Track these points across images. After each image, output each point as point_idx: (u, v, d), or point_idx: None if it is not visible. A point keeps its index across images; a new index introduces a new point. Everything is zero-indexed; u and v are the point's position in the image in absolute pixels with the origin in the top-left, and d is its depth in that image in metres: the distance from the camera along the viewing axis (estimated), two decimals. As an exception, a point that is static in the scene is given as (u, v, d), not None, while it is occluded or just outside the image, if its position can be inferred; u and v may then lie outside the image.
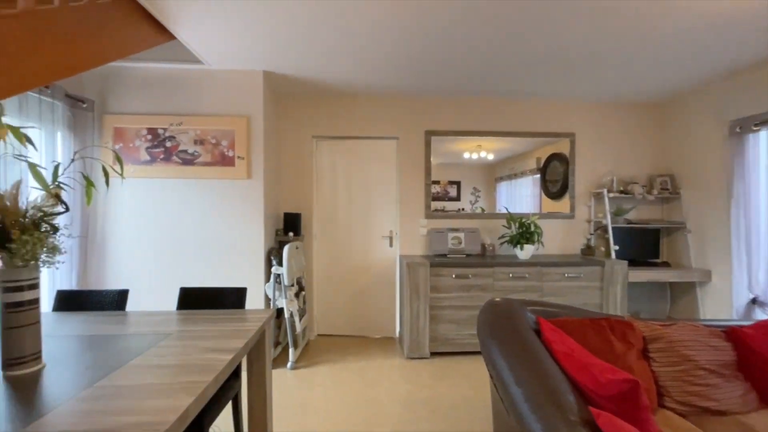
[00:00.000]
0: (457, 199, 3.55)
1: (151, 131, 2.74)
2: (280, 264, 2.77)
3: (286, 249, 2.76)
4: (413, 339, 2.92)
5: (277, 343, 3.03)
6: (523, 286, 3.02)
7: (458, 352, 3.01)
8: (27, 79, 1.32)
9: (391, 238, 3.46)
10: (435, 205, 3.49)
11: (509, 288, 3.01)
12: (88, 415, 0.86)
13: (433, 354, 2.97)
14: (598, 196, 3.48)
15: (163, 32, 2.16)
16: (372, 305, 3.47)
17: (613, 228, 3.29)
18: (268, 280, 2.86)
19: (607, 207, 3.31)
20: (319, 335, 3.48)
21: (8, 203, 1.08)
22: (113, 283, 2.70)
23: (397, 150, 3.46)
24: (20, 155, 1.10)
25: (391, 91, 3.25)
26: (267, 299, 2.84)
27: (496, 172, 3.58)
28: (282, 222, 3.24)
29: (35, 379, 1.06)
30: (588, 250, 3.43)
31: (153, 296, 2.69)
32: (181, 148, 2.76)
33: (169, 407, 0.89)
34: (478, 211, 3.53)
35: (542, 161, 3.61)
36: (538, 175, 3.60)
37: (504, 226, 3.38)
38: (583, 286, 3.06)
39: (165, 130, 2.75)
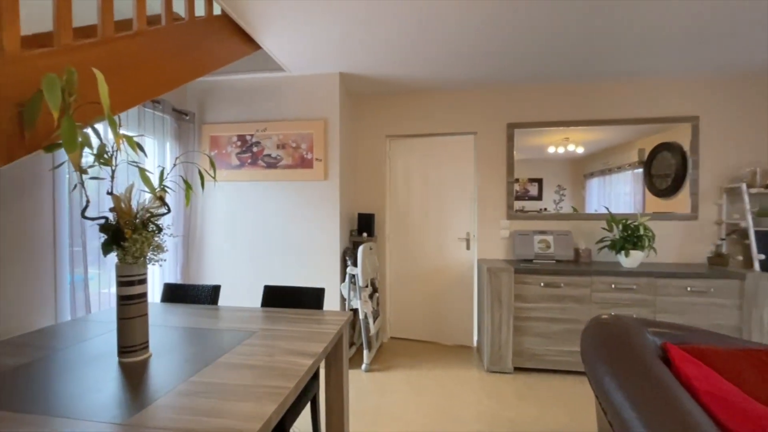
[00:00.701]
0: (538, 198, 3.18)
1: (240, 138, 2.96)
2: (354, 264, 2.77)
3: (360, 249, 2.74)
4: (494, 351, 2.67)
5: (351, 344, 3.04)
6: (629, 300, 2.57)
7: (547, 370, 2.68)
8: (141, 92, 1.46)
9: (467, 240, 3.24)
10: (515, 204, 3.18)
11: (611, 301, 2.59)
12: (182, 412, 0.87)
13: (517, 369, 2.69)
14: (733, 193, 2.82)
15: (250, 43, 2.29)
16: (447, 310, 3.29)
17: (757, 232, 2.63)
18: (343, 280, 2.88)
19: (747, 205, 2.66)
20: (392, 338, 3.42)
21: (123, 205, 1.19)
22: (209, 278, 2.98)
23: (475, 146, 3.24)
24: (133, 161, 1.19)
25: (468, 84, 3.04)
26: (342, 299, 2.86)
27: (586, 168, 3.12)
28: (356, 222, 3.25)
29: (143, 367, 1.14)
30: (718, 259, 2.79)
31: (241, 291, 2.90)
32: (265, 152, 2.93)
33: (253, 413, 0.87)
34: (565, 210, 3.12)
35: (646, 153, 3.05)
36: (640, 170, 3.05)
37: (604, 228, 2.93)
38: (713, 303, 2.49)
39: (252, 136, 2.94)
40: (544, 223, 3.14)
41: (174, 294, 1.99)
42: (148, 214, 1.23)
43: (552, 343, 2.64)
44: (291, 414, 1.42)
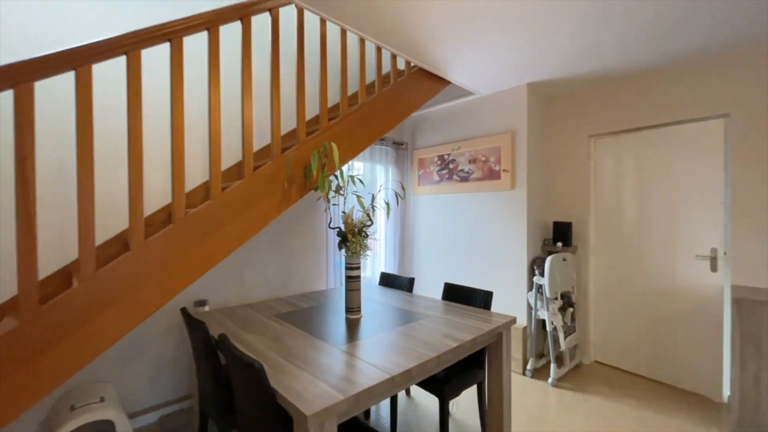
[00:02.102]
0: None
1: (440, 158, 3.53)
2: (542, 274, 2.73)
3: (549, 260, 2.68)
4: (744, 410, 1.95)
5: (540, 355, 2.97)
6: None
7: None
8: (362, 145, 2.21)
9: (713, 259, 2.45)
10: (813, 211, 2.12)
11: None
12: (370, 349, 1.41)
13: (795, 451, 1.85)
14: None
15: (441, 81, 2.78)
16: (678, 346, 2.61)
17: None
18: (531, 288, 2.89)
19: None
20: (596, 362, 3.04)
21: (348, 221, 1.91)
22: (414, 272, 3.71)
23: (727, 133, 2.42)
24: (355, 192, 1.88)
25: (711, 51, 2.32)
26: (529, 308, 2.88)
27: None
28: (551, 231, 3.14)
29: (356, 322, 1.80)
30: None
31: (435, 284, 3.45)
32: (459, 168, 3.36)
33: (399, 364, 1.29)
34: None
35: None
36: None
37: None
38: None
39: (448, 155, 3.44)
40: None
41: (386, 280, 2.75)
42: (361, 226, 1.91)
43: None
44: (451, 385, 1.76)
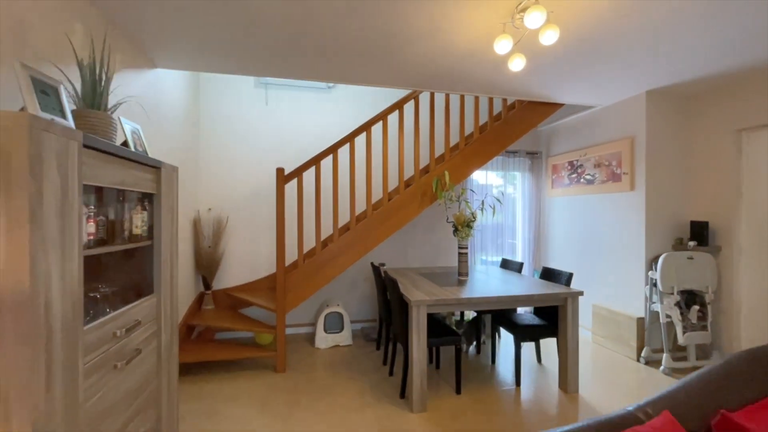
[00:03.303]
0: None
1: (570, 163, 3.97)
2: (655, 269, 2.92)
3: (662, 257, 2.87)
4: None
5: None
6: None
7: None
8: (470, 170, 3.26)
9: None
10: None
11: None
12: (461, 290, 2.54)
13: None
14: None
15: (553, 105, 3.41)
16: None
17: None
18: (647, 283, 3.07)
19: None
20: (748, 371, 2.83)
21: (458, 215, 3.02)
22: (547, 262, 4.24)
23: None
24: (464, 199, 2.99)
25: None
26: (645, 299, 3.07)
27: None
28: (688, 230, 3.13)
29: (463, 282, 2.90)
30: None
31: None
32: (586, 172, 3.74)
33: (468, 296, 2.36)
34: None
35: None
36: None
37: None
38: None
39: (577, 161, 3.86)
40: None
41: (504, 264, 3.61)
42: (468, 220, 2.97)
43: None
44: (520, 331, 2.60)
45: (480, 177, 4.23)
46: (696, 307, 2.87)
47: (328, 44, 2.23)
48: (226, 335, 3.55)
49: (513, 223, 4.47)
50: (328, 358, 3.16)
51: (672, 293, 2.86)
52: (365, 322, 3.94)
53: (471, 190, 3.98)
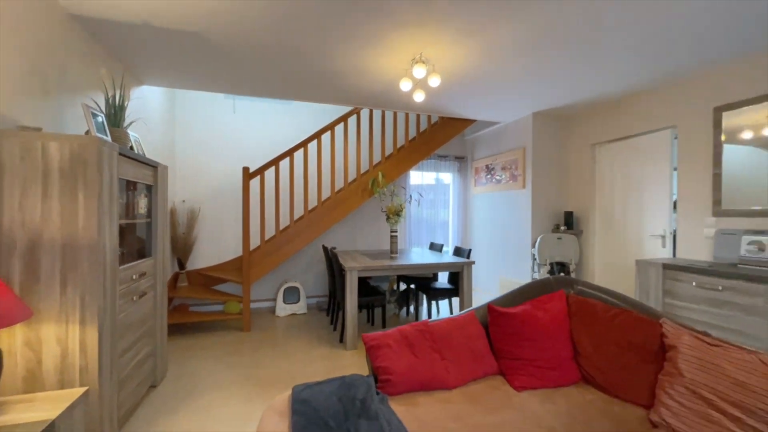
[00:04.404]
0: None
1: (486, 166, 4.94)
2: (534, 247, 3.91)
3: (539, 238, 3.86)
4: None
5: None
6: (833, 325, 1.89)
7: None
8: (400, 172, 4.11)
9: (663, 238, 3.16)
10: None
11: (798, 320, 2.01)
12: (387, 263, 3.37)
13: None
14: None
15: (467, 120, 4.33)
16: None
17: None
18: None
19: None
20: (598, 320, 3.90)
21: (390, 206, 3.85)
22: (468, 244, 5.21)
23: (675, 139, 3.10)
24: (395, 194, 3.84)
25: (667, 78, 3.03)
26: (531, 270, 4.07)
27: None
28: (563, 218, 4.16)
29: (393, 258, 3.74)
30: None
31: (481, 251, 4.88)
32: (496, 174, 4.72)
33: (387, 263, 3.20)
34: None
35: None
36: None
37: None
38: None
39: (491, 164, 4.84)
40: (764, 221, 2.50)
41: (431, 246, 4.51)
42: (396, 212, 3.81)
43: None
44: (429, 291, 3.48)
45: (416, 177, 5.11)
46: (562, 274, 3.89)
47: (287, 74, 2.97)
48: (199, 308, 4.17)
49: (446, 215, 5.40)
50: (287, 322, 3.90)
51: (546, 264, 3.87)
52: (319, 297, 4.70)
53: (402, 186, 4.85)
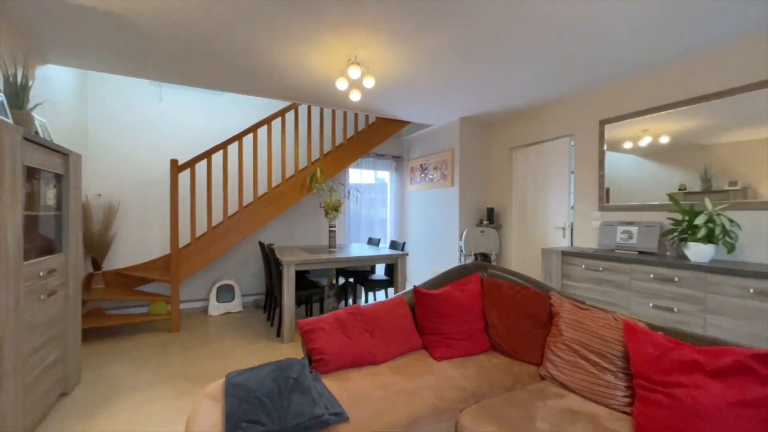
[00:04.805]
0: None
1: (421, 166, 5.26)
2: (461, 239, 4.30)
3: (466, 231, 4.25)
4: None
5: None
6: (672, 293, 2.44)
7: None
8: (340, 168, 4.23)
9: (563, 230, 3.71)
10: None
11: (651, 291, 2.55)
12: (326, 256, 3.45)
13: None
14: None
15: (403, 121, 4.58)
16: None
17: None
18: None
19: None
20: (515, 304, 4.42)
21: (328, 201, 3.94)
22: (405, 237, 5.50)
23: (572, 145, 3.66)
24: (333, 190, 3.92)
25: (567, 93, 3.54)
26: (458, 260, 4.45)
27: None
28: (486, 214, 4.62)
29: (332, 252, 3.83)
30: None
31: (417, 244, 5.20)
32: (429, 173, 5.06)
33: (327, 257, 3.29)
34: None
35: None
36: None
37: (669, 218, 2.61)
38: (798, 315, 1.93)
39: (424, 164, 5.16)
40: (636, 215, 3.10)
41: (369, 240, 4.68)
42: (335, 206, 3.91)
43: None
44: (366, 283, 3.65)
45: (355, 175, 5.25)
46: (486, 262, 4.33)
47: (220, 65, 2.90)
48: (120, 311, 3.83)
49: (385, 212, 5.63)
50: (221, 321, 3.77)
51: (471, 255, 4.27)
52: (257, 295, 4.60)
53: (341, 183, 4.97)
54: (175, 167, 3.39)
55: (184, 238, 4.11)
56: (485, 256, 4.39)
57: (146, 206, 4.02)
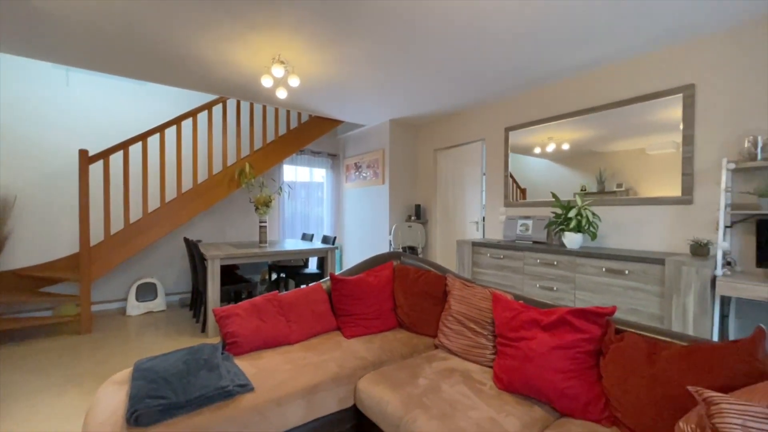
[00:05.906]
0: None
1: (355, 164, 5.46)
2: (389, 234, 4.58)
3: (394, 226, 4.53)
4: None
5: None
6: (553, 275, 2.92)
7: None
8: (271, 163, 4.26)
9: (477, 223, 4.17)
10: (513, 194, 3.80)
11: (539, 274, 3.02)
12: (258, 251, 3.48)
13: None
14: (742, 173, 2.34)
15: (336, 120, 4.74)
16: (468, 277, 4.33)
17: (747, 217, 2.20)
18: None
19: (725, 183, 2.26)
20: (439, 293, 4.82)
21: (258, 197, 3.96)
22: (341, 233, 5.68)
23: (483, 148, 4.12)
24: (264, 186, 3.94)
25: (480, 101, 3.97)
26: (388, 255, 4.74)
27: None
28: (414, 210, 4.95)
29: (263, 246, 3.86)
30: (700, 249, 2.43)
31: (353, 239, 5.39)
32: (362, 171, 5.28)
33: (261, 251, 3.33)
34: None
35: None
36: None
37: (552, 212, 3.15)
38: (634, 287, 2.46)
39: (358, 163, 5.37)
40: (531, 210, 3.61)
41: (303, 236, 4.77)
42: (266, 201, 3.94)
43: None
44: (298, 276, 3.76)
45: (290, 171, 5.29)
46: (400, 252, 4.67)
47: (138, 53, 2.80)
48: (18, 315, 3.48)
49: (321, 210, 5.73)
50: (141, 321, 3.61)
51: (399, 248, 4.57)
52: (182, 293, 4.44)
53: (273, 179, 4.99)
54: (85, 158, 3.19)
55: (97, 235, 3.84)
56: (413, 249, 4.73)
57: (50, 201, 3.69)
